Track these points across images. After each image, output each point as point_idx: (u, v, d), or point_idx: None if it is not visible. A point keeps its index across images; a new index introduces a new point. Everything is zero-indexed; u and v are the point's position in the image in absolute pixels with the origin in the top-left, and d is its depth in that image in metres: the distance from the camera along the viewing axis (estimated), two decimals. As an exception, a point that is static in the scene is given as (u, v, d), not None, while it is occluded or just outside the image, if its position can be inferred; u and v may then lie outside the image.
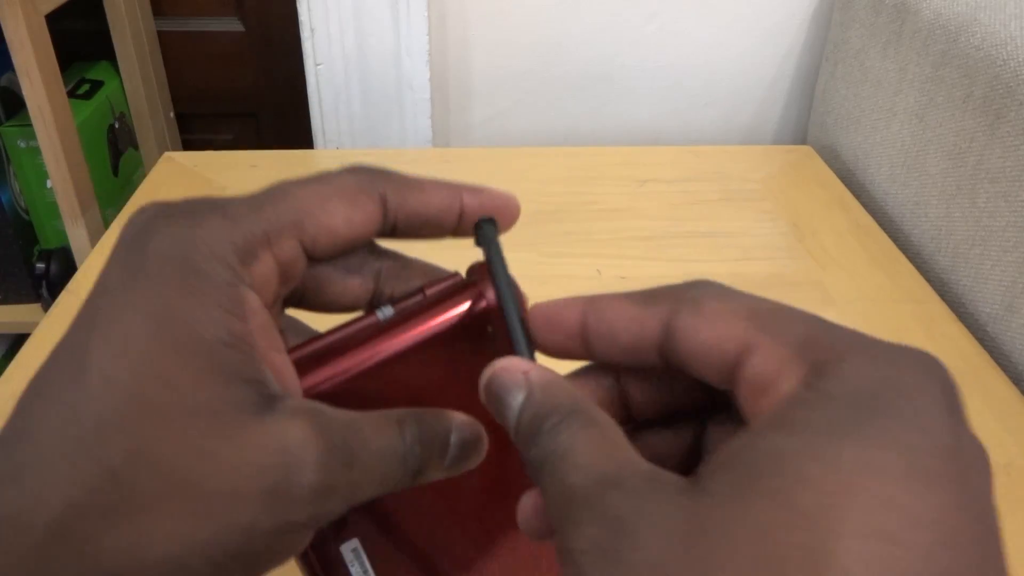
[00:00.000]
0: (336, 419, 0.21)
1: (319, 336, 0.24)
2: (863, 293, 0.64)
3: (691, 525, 0.16)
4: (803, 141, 0.98)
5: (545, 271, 0.65)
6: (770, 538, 0.15)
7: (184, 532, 0.19)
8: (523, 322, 0.23)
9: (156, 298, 0.20)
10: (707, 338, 0.20)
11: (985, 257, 0.61)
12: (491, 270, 0.24)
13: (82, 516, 0.18)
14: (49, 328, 0.59)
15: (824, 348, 0.18)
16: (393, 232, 0.25)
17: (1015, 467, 0.49)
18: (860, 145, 0.81)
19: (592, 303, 0.23)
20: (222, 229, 0.21)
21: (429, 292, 0.25)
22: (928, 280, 0.66)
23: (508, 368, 0.21)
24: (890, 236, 0.72)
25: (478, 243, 0.25)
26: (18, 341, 1.05)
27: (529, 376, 0.21)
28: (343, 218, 0.23)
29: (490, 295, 0.25)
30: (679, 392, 0.23)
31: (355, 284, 0.25)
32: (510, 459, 0.22)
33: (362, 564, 0.25)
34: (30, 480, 0.18)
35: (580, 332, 0.22)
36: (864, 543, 0.14)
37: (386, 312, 0.24)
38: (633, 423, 0.24)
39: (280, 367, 0.21)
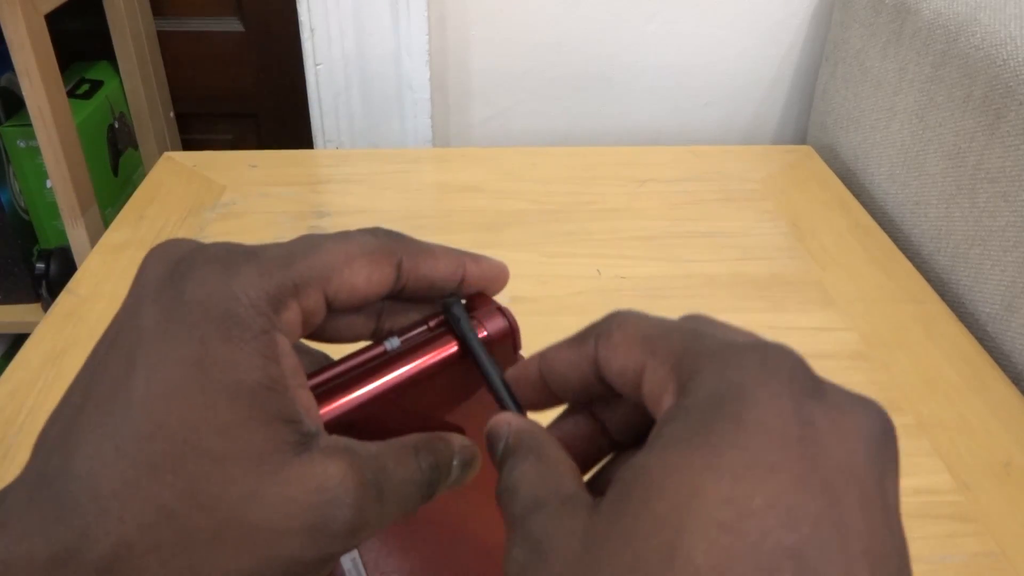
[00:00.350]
0: (365, 455, 0.22)
1: (332, 364, 0.26)
2: (863, 293, 0.64)
3: (586, 540, 0.18)
4: (803, 141, 0.98)
5: (545, 271, 0.65)
6: (636, 543, 0.17)
7: (231, 566, 0.20)
8: (505, 384, 0.26)
9: (199, 346, 0.21)
10: (616, 366, 0.22)
11: (985, 257, 0.61)
12: (468, 347, 0.26)
13: (133, 553, 0.19)
14: (48, 328, 0.59)
15: (690, 363, 0.20)
16: (400, 292, 0.27)
17: (1015, 467, 0.49)
18: (860, 145, 0.81)
19: (542, 357, 0.25)
20: (257, 278, 0.22)
21: (432, 324, 0.27)
22: (928, 280, 0.66)
23: (497, 421, 0.24)
24: (890, 236, 0.72)
25: (447, 322, 0.27)
26: (18, 341, 1.05)
27: (510, 425, 0.24)
28: (364, 277, 0.25)
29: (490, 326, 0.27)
30: (647, 414, 0.25)
31: (359, 321, 0.27)
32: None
33: (359, 574, 0.26)
34: (79, 518, 0.19)
35: (542, 384, 0.25)
36: (706, 536, 0.16)
37: (393, 343, 0.26)
38: (619, 447, 0.26)
39: (307, 403, 0.23)
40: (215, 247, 0.23)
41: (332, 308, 0.25)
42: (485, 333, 0.27)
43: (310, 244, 0.24)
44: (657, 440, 0.19)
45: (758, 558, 0.16)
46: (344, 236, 0.25)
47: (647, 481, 0.18)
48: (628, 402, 0.24)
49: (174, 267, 0.23)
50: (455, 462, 0.25)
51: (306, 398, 0.23)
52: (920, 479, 0.48)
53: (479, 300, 0.28)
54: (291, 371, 0.22)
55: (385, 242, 0.25)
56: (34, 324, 0.59)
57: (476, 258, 0.28)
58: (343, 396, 0.25)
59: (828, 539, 0.16)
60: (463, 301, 0.28)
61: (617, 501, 0.18)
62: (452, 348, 0.26)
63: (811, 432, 0.18)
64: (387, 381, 0.25)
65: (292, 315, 0.23)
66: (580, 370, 0.24)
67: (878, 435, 0.19)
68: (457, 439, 0.26)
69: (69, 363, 0.55)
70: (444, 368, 0.26)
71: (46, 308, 0.98)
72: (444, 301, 0.27)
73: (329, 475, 0.21)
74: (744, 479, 0.17)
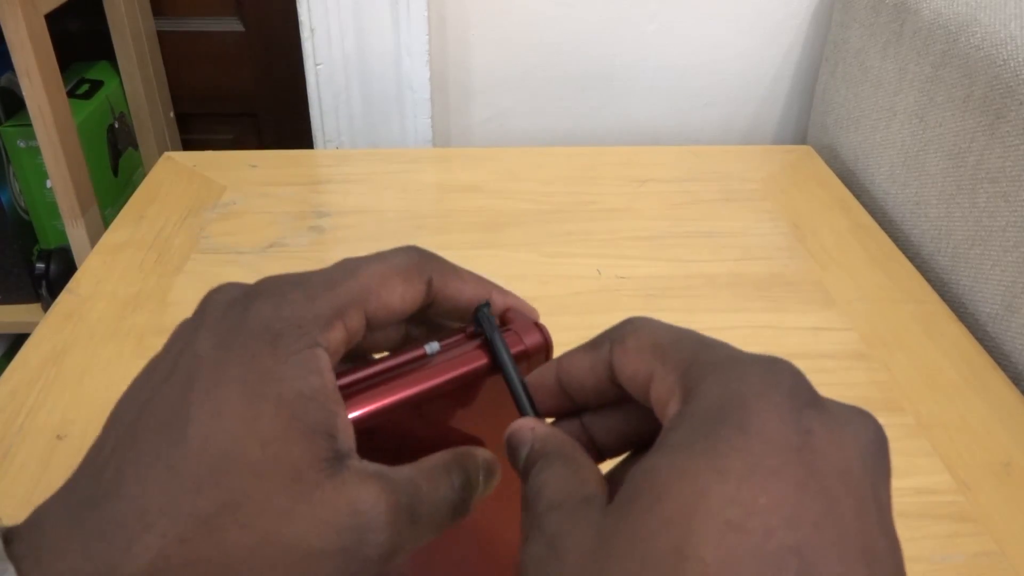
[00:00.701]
0: (399, 479, 0.23)
1: (371, 362, 0.26)
2: (863, 293, 0.64)
3: (598, 540, 0.19)
4: (803, 141, 0.98)
5: (545, 271, 0.65)
6: (647, 541, 0.18)
7: None
8: (526, 389, 0.26)
9: (249, 362, 0.22)
10: (628, 372, 0.23)
11: (985, 257, 0.61)
12: (495, 353, 0.27)
13: (170, 565, 0.20)
14: (48, 328, 0.59)
15: (696, 371, 0.21)
16: (427, 311, 0.28)
17: (1015, 467, 0.49)
18: (860, 145, 0.81)
19: (559, 362, 0.26)
20: (304, 303, 0.24)
21: (469, 331, 0.28)
22: (928, 280, 0.66)
23: (520, 426, 0.25)
24: (890, 236, 0.72)
25: (477, 329, 0.27)
26: (18, 341, 1.05)
27: (534, 431, 0.24)
28: (399, 295, 0.26)
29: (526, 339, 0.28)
30: (634, 424, 0.25)
31: (391, 332, 0.29)
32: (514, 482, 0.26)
33: None
34: (123, 536, 0.20)
35: (559, 389, 0.26)
36: (714, 534, 0.17)
37: (433, 348, 0.27)
38: (604, 455, 0.27)
39: (343, 422, 0.23)
40: (269, 281, 0.25)
41: (371, 326, 0.26)
42: (523, 346, 0.27)
43: (350, 268, 0.26)
44: (664, 444, 0.20)
45: (764, 555, 0.17)
46: (380, 257, 0.26)
47: (655, 482, 0.18)
48: (618, 413, 0.25)
49: (232, 301, 0.24)
50: (481, 476, 0.26)
51: (342, 417, 0.23)
52: (920, 479, 0.48)
53: (514, 315, 0.29)
54: (331, 388, 0.23)
55: (417, 260, 0.27)
56: (34, 324, 0.59)
57: (504, 292, 0.29)
58: (380, 391, 0.25)
59: (828, 538, 0.17)
60: (495, 318, 0.28)
61: (628, 501, 0.19)
62: (484, 359, 0.27)
63: (810, 440, 0.19)
64: (422, 386, 0.26)
65: (336, 334, 0.24)
66: (596, 374, 0.24)
67: (872, 445, 0.20)
68: (481, 452, 0.26)
69: (69, 363, 0.55)
70: (475, 377, 0.27)
71: (46, 308, 0.98)
72: (477, 307, 0.28)
73: (363, 499, 0.22)
74: (748, 481, 0.18)
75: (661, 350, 0.23)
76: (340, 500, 0.21)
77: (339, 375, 0.25)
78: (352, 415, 0.24)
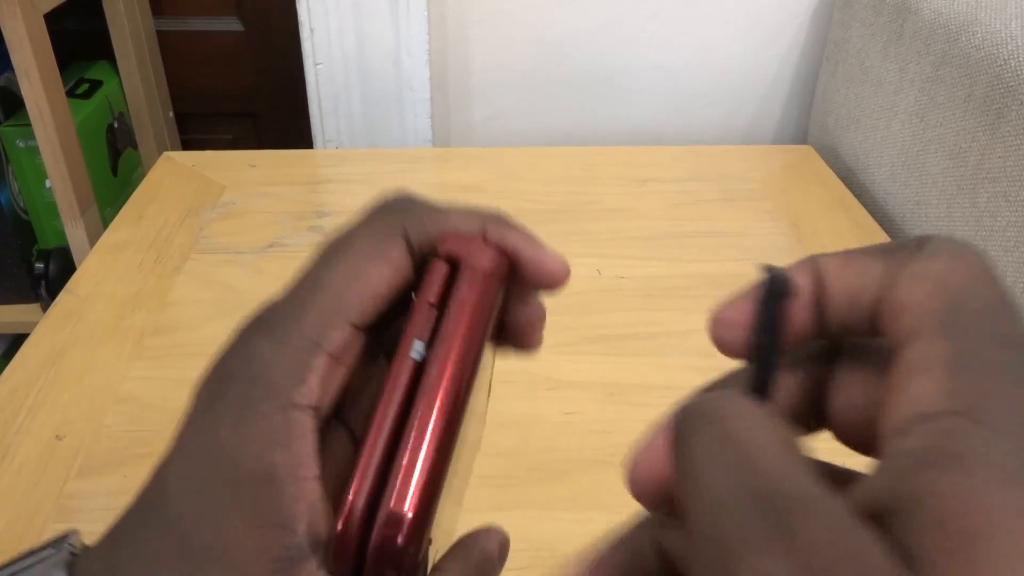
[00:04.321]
0: None
1: (369, 419, 0.21)
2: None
3: None
4: (803, 141, 0.98)
5: (545, 271, 0.65)
6: None
7: None
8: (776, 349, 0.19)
9: (212, 434, 0.20)
10: (900, 300, 0.16)
11: (986, 257, 0.61)
12: (763, 325, 0.20)
13: None
14: (48, 328, 0.58)
15: (990, 363, 0.15)
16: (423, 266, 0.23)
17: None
18: (860, 145, 0.81)
19: (821, 267, 0.19)
20: (272, 351, 0.21)
21: (432, 300, 0.22)
22: (929, 280, 0.66)
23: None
24: (891, 236, 0.72)
25: (771, 295, 0.20)
26: (17, 341, 1.05)
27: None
28: (377, 281, 0.22)
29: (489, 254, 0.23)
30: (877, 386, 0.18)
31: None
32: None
33: None
34: None
35: (811, 309, 0.19)
36: None
37: (419, 349, 0.21)
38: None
39: (311, 499, 0.20)
40: (251, 325, 0.22)
41: (371, 325, 0.22)
42: (477, 285, 0.22)
43: (314, 281, 0.22)
44: (969, 467, 0.13)
45: None
46: (344, 246, 0.22)
47: (989, 527, 0.12)
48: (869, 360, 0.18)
49: (228, 349, 0.22)
50: (495, 555, 0.23)
51: (311, 494, 0.20)
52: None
53: (454, 242, 0.23)
54: (302, 458, 0.20)
55: (383, 227, 0.23)
56: (33, 324, 0.59)
57: (503, 224, 0.24)
58: (409, 473, 0.20)
59: None
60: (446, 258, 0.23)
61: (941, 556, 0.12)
62: (480, 311, 0.22)
63: None
64: (444, 415, 0.21)
65: (315, 379, 0.21)
66: (872, 292, 0.17)
67: None
68: (493, 534, 0.23)
69: (68, 363, 0.55)
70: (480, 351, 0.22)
71: (45, 308, 0.97)
72: (770, 271, 0.20)
73: None
74: None
75: (954, 305, 0.16)
76: None
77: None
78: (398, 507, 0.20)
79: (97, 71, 1.08)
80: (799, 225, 0.73)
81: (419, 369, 0.21)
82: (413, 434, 0.20)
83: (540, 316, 0.26)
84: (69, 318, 0.59)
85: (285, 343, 0.21)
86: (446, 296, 0.22)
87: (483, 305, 0.22)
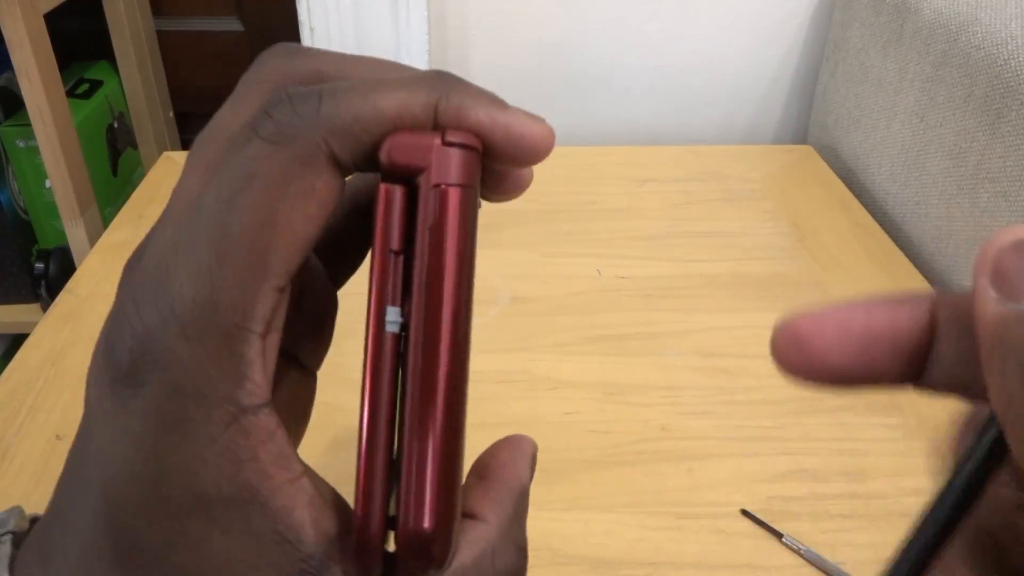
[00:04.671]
0: None
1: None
2: (864, 293, 0.64)
3: None
4: (803, 141, 0.98)
5: (545, 271, 0.65)
6: None
7: None
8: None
9: (153, 460, 0.17)
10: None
11: (986, 257, 0.61)
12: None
13: None
14: (48, 328, 0.58)
15: None
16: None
17: (1016, 467, 0.48)
18: (860, 145, 0.81)
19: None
20: (192, 357, 0.16)
21: (395, 246, 0.17)
22: (929, 280, 0.66)
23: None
24: (891, 236, 0.72)
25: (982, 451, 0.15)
26: (17, 341, 1.05)
27: None
28: (303, 227, 0.17)
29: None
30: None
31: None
32: None
33: None
34: None
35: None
36: None
37: (394, 319, 0.17)
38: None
39: (306, 499, 0.17)
40: (148, 283, 0.17)
41: (296, 271, 0.18)
42: (451, 211, 0.17)
43: (219, 234, 0.16)
44: None
45: None
46: (249, 178, 0.17)
47: None
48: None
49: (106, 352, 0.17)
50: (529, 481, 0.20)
51: (303, 494, 0.17)
52: (920, 479, 0.47)
53: (404, 151, 0.17)
54: (278, 461, 0.17)
55: (301, 143, 0.17)
56: (33, 324, 0.59)
57: (458, 96, 0.17)
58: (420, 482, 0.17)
59: None
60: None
61: None
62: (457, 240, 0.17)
63: None
64: (434, 379, 0.17)
65: (257, 363, 0.17)
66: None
67: None
68: (522, 452, 0.20)
69: (68, 363, 0.55)
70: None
71: (45, 308, 0.97)
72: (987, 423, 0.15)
73: None
74: None
75: None
76: None
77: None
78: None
79: (97, 71, 1.08)
80: (799, 225, 0.73)
81: (400, 339, 0.17)
82: (417, 432, 0.17)
83: (526, 182, 0.21)
84: (69, 318, 0.59)
85: (204, 339, 0.16)
86: (410, 231, 0.17)
87: (464, 235, 0.17)
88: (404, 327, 0.17)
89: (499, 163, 0.18)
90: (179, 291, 0.16)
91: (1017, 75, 0.58)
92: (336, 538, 0.17)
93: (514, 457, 0.20)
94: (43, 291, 0.98)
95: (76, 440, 0.19)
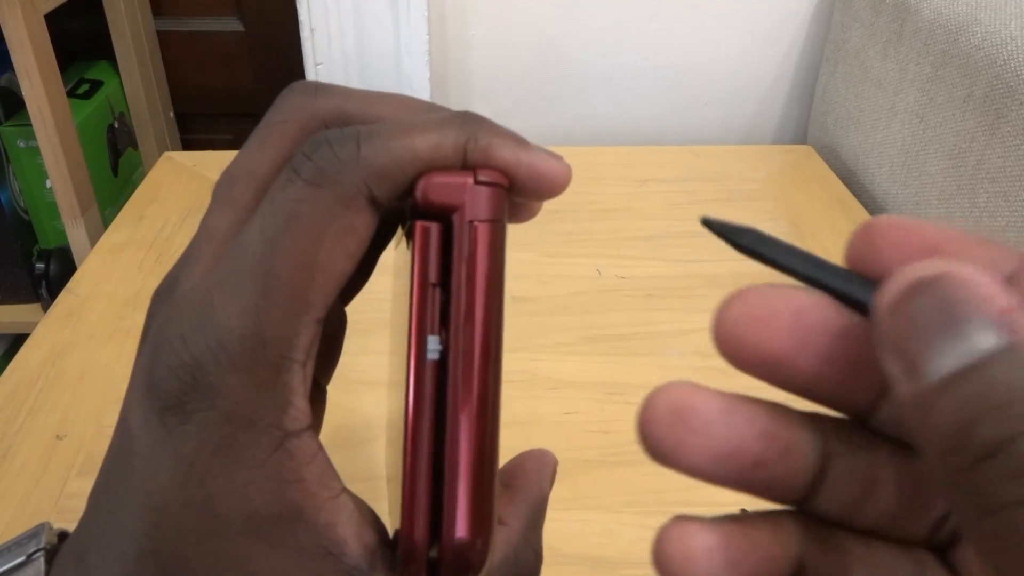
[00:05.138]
0: None
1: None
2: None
3: None
4: (803, 141, 0.98)
5: (545, 271, 0.65)
6: None
7: None
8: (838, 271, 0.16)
9: (198, 486, 0.18)
10: None
11: (985, 257, 0.61)
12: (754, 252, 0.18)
13: None
14: (48, 328, 0.59)
15: None
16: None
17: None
18: (860, 145, 0.81)
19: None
20: (241, 387, 0.17)
21: (434, 279, 0.19)
22: (928, 280, 0.66)
23: (973, 283, 0.12)
24: (890, 236, 0.72)
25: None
26: (17, 341, 1.05)
27: (1016, 318, 0.12)
28: (343, 265, 0.18)
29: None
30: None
31: None
32: None
33: None
34: None
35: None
36: None
37: (435, 347, 0.18)
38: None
39: (346, 515, 0.18)
40: (193, 322, 0.18)
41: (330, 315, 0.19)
42: (485, 246, 0.19)
43: (263, 274, 0.17)
44: None
45: None
46: (293, 220, 0.18)
47: None
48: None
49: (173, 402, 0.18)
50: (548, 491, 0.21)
51: (344, 510, 0.18)
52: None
53: (437, 189, 0.18)
54: (321, 480, 0.18)
55: (341, 186, 0.18)
56: (34, 324, 0.59)
57: (485, 137, 0.19)
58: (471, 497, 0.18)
59: None
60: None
61: None
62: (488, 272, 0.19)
63: None
64: (480, 405, 0.18)
65: (300, 391, 0.18)
66: None
67: None
68: (544, 465, 0.22)
69: (69, 363, 0.55)
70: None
71: (46, 308, 0.98)
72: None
73: None
74: None
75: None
76: None
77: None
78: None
79: (97, 71, 1.08)
80: (799, 225, 0.73)
81: (440, 365, 0.18)
82: (458, 450, 0.18)
83: (538, 209, 0.22)
84: (69, 318, 0.59)
85: (252, 370, 0.17)
86: (447, 263, 0.19)
87: (496, 266, 0.19)
88: (443, 353, 0.18)
89: (521, 197, 0.20)
90: (227, 325, 0.17)
91: (1017, 75, 0.58)
92: (376, 549, 0.18)
93: (538, 469, 0.23)
94: (44, 291, 0.98)
95: (110, 465, 0.19)
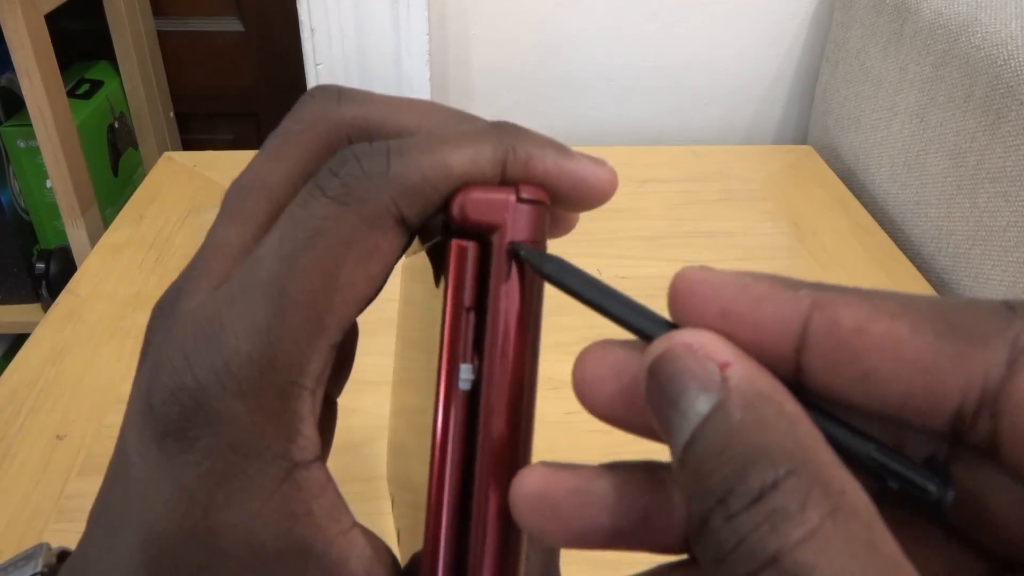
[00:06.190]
0: None
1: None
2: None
3: None
4: (803, 141, 0.98)
5: (545, 271, 0.65)
6: None
7: None
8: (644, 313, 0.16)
9: (202, 519, 0.17)
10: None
11: (986, 257, 0.61)
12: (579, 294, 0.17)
13: None
14: (48, 328, 0.59)
15: None
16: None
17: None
18: (860, 145, 0.81)
19: (820, 300, 0.14)
20: (247, 415, 0.16)
21: (469, 303, 0.17)
22: (929, 280, 0.66)
23: (695, 347, 0.14)
24: (891, 236, 0.72)
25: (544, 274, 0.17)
26: (18, 341, 1.05)
27: (729, 375, 0.13)
28: (365, 288, 0.17)
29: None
30: None
31: None
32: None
33: None
34: None
35: (797, 344, 0.14)
36: None
37: (467, 377, 0.17)
38: None
39: (357, 551, 0.17)
40: (200, 345, 0.17)
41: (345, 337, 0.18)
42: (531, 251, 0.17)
43: (276, 294, 0.16)
44: None
45: None
46: (314, 238, 0.16)
47: None
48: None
49: (176, 421, 0.17)
50: None
51: (356, 546, 0.17)
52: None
53: (474, 206, 0.17)
54: (331, 513, 0.17)
55: (371, 206, 0.16)
56: (34, 324, 0.59)
57: (524, 148, 0.18)
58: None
59: None
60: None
61: None
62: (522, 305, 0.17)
63: None
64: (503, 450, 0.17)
65: (310, 420, 0.17)
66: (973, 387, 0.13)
67: None
68: None
69: (69, 363, 0.55)
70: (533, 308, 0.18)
71: (46, 308, 0.98)
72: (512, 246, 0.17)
73: None
74: None
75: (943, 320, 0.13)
76: None
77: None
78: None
79: (98, 71, 1.08)
80: (799, 225, 0.73)
81: (471, 395, 0.17)
82: (487, 491, 0.17)
83: (575, 221, 0.20)
84: (70, 318, 0.59)
85: (259, 396, 0.16)
86: (483, 286, 0.17)
87: (537, 292, 0.17)
88: (475, 383, 0.17)
89: (564, 208, 0.18)
90: (235, 346, 0.16)
91: (1017, 75, 0.58)
92: None
93: None
94: (44, 291, 0.98)
95: (109, 487, 0.19)
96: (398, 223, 0.17)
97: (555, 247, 0.17)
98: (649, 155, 0.85)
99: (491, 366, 0.17)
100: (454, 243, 0.17)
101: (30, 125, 0.85)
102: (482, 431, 0.17)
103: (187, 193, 0.76)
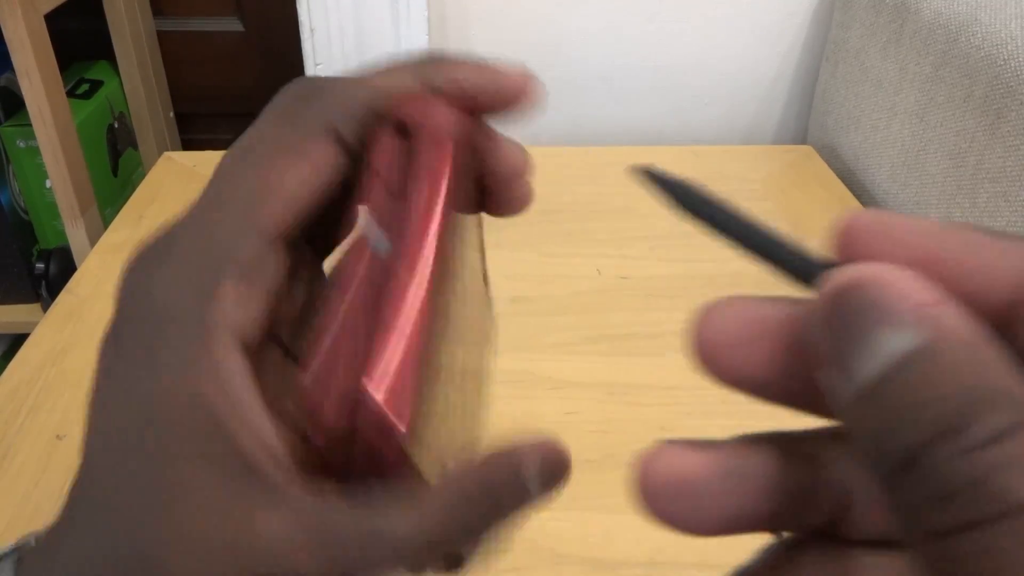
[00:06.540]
0: (340, 526, 0.17)
1: (318, 329, 0.18)
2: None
3: None
4: (803, 141, 0.98)
5: (545, 271, 0.65)
6: None
7: None
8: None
9: (127, 388, 0.18)
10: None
11: (985, 257, 0.61)
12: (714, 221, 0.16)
13: None
14: (48, 328, 0.59)
15: None
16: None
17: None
18: (860, 145, 0.81)
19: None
20: (173, 282, 0.19)
21: (381, 171, 0.19)
22: (928, 280, 0.66)
23: (891, 283, 0.12)
24: (890, 236, 0.72)
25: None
26: (17, 341, 1.05)
27: (935, 314, 0.12)
28: (293, 184, 0.19)
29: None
30: None
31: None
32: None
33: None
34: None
35: (1012, 299, 0.13)
36: None
37: (380, 242, 0.18)
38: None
39: (260, 432, 0.18)
40: (150, 246, 0.20)
41: (294, 238, 0.19)
42: (439, 151, 0.19)
43: (213, 199, 0.19)
44: None
45: None
46: (247, 151, 0.19)
47: None
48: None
49: (126, 283, 0.20)
50: (531, 483, 0.19)
51: (259, 421, 0.18)
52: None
53: (398, 109, 0.19)
54: (234, 379, 0.18)
55: (298, 119, 0.19)
56: (34, 324, 0.59)
57: (442, 65, 0.20)
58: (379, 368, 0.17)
59: None
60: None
61: None
62: (443, 189, 0.18)
63: None
64: (415, 303, 0.17)
65: (230, 294, 0.18)
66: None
67: None
68: (537, 449, 0.19)
69: (69, 363, 0.55)
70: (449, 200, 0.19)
71: (46, 308, 0.98)
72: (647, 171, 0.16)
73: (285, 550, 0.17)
74: None
75: None
76: (263, 543, 0.17)
77: (303, 366, 0.18)
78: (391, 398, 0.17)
79: (97, 71, 1.08)
80: (799, 225, 0.73)
81: (381, 263, 0.18)
82: (390, 313, 0.17)
83: (522, 162, 0.22)
84: (69, 318, 0.59)
85: (185, 266, 0.19)
86: (402, 173, 0.19)
87: (453, 173, 0.19)
88: (389, 253, 0.18)
89: (494, 111, 0.21)
90: (176, 234, 0.20)
91: (1017, 75, 0.58)
92: (284, 459, 0.18)
93: (516, 454, 0.20)
94: (43, 291, 0.98)
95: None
96: (330, 135, 0.19)
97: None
98: (649, 155, 0.85)
99: (404, 238, 0.18)
100: (378, 132, 0.19)
101: (30, 125, 0.85)
102: (392, 286, 0.18)
103: (187, 193, 0.76)
